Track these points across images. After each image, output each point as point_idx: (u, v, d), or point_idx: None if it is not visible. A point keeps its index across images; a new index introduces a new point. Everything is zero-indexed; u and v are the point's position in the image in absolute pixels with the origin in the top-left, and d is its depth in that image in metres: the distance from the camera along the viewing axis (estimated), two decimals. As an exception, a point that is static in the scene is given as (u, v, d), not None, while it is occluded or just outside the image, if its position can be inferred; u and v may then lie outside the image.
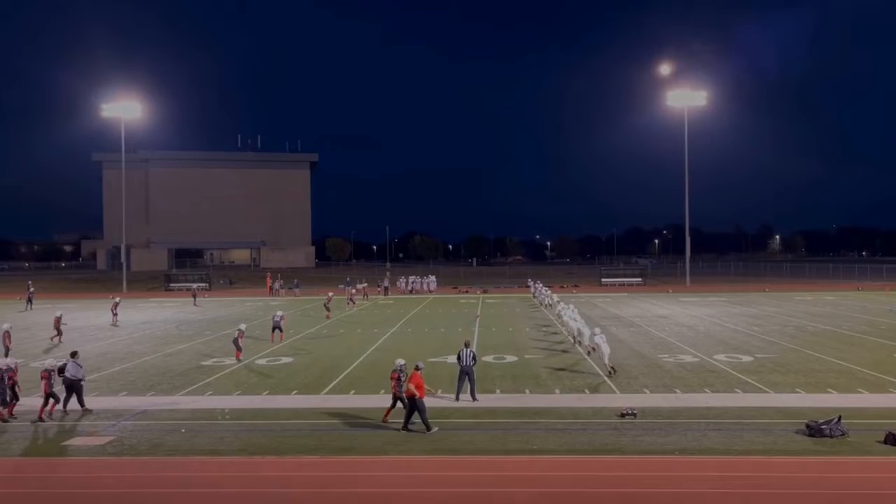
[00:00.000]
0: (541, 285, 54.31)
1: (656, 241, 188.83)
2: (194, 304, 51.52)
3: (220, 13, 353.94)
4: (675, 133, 74.20)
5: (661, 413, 17.24)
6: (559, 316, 32.29)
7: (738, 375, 21.94)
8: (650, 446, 14.49)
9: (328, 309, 41.82)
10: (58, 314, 32.59)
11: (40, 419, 16.98)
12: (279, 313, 32.28)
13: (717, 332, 33.04)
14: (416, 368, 16.38)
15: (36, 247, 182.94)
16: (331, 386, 21.11)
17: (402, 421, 15.83)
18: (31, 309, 47.76)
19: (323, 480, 12.81)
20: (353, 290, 52.70)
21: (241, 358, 25.88)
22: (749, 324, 36.08)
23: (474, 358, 19.03)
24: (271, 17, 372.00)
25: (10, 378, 17.02)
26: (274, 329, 31.12)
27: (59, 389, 17.82)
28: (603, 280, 71.96)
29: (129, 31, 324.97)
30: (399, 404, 16.35)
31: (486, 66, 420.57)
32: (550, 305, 42.88)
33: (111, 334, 34.72)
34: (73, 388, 17.75)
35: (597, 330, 24.67)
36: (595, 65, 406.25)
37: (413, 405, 15.74)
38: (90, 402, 18.72)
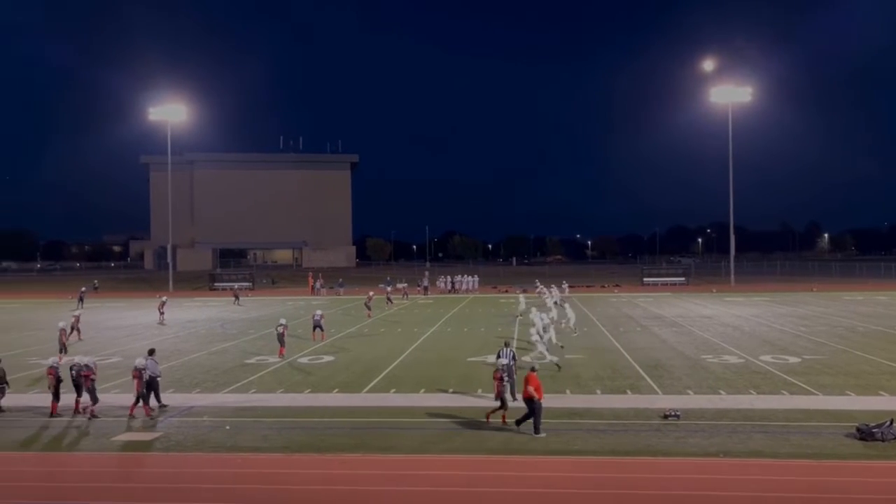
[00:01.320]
0: (555, 288, 51.11)
1: (700, 239, 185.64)
2: (237, 304, 52.32)
3: (264, 17, 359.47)
4: (719, 130, 73.15)
5: (704, 415, 16.95)
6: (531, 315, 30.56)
7: (785, 377, 21.45)
8: (694, 448, 14.26)
9: (369, 308, 42.13)
10: (163, 299, 37.45)
11: (131, 415, 17.33)
12: (319, 312, 32.72)
13: (763, 332, 32.35)
14: (532, 370, 15.99)
15: (87, 247, 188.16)
16: (371, 385, 21.27)
17: (518, 419, 15.59)
18: (82, 308, 49.15)
19: (363, 479, 12.91)
20: (390, 290, 53.04)
21: (284, 354, 26.30)
22: (796, 324, 35.24)
23: (514, 357, 18.96)
24: (313, 20, 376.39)
25: (86, 378, 17.50)
26: (315, 328, 31.51)
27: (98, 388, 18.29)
28: (645, 280, 71.06)
29: (175, 36, 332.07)
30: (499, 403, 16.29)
31: (528, 66, 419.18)
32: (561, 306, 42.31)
33: (158, 332, 35.53)
34: (152, 384, 18.14)
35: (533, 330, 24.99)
36: (637, 62, 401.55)
37: (531, 407, 15.34)
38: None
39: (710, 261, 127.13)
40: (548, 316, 31.07)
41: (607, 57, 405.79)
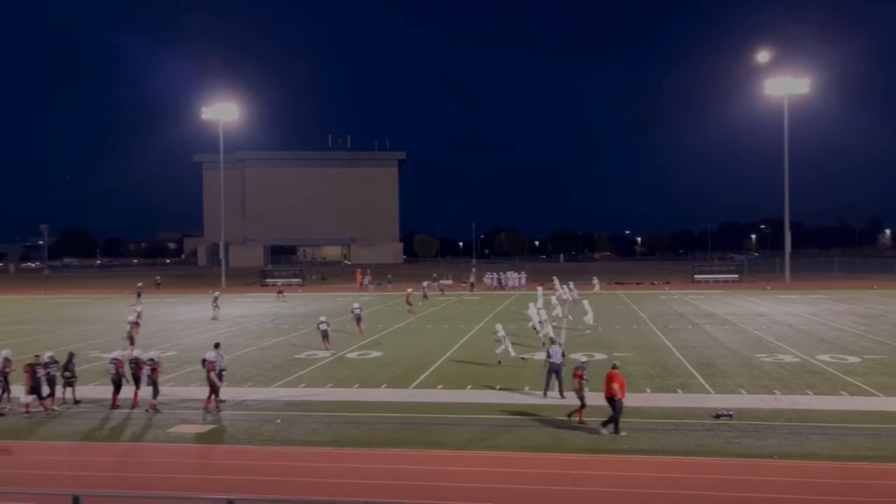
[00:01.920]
0: (572, 285, 50.82)
1: (753, 235, 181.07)
2: (282, 300, 52.73)
3: (312, 15, 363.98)
4: (774, 123, 70.85)
5: (758, 415, 16.55)
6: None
7: (844, 377, 20.79)
8: (747, 449, 13.94)
9: (410, 304, 42.39)
10: (215, 294, 40.08)
11: (206, 409, 17.77)
12: (356, 305, 33.50)
13: (820, 331, 31.41)
14: (614, 367, 15.57)
15: (143, 244, 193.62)
16: (419, 380, 21.38)
17: (604, 419, 15.28)
18: (139, 303, 50.59)
19: (410, 474, 13.00)
20: (426, 285, 53.26)
21: (328, 347, 26.87)
22: (856, 323, 34.11)
23: (563, 355, 18.83)
24: (361, 18, 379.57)
25: (154, 371, 18.00)
26: (358, 322, 32.15)
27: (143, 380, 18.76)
28: (696, 276, 69.62)
29: (226, 36, 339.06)
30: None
31: (575, 60, 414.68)
32: (574, 301, 41.76)
33: (211, 327, 36.36)
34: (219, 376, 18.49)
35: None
36: (686, 54, 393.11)
37: (613, 406, 14.96)
38: (194, 391, 19.75)
39: (763, 257, 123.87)
40: (559, 310, 33.88)
41: (657, 49, 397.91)
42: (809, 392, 18.94)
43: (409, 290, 45.76)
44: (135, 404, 18.17)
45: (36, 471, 13.45)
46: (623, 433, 14.91)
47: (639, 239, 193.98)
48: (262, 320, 39.63)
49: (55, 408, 17.96)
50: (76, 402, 18.51)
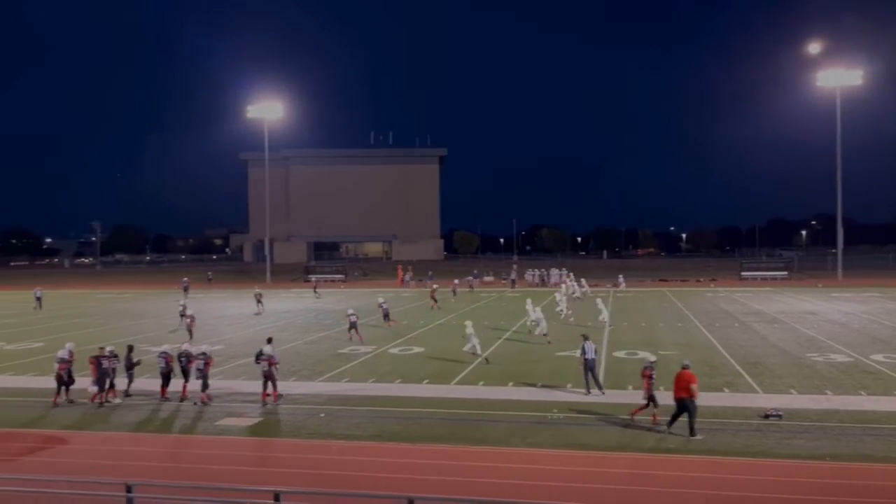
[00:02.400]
0: (583, 282, 51.50)
1: (803, 232, 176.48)
2: (316, 296, 52.73)
3: (354, 14, 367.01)
4: (826, 116, 68.81)
5: (809, 415, 16.15)
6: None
7: (899, 378, 20.13)
8: (797, 450, 13.61)
9: (435, 300, 42.59)
10: (257, 291, 41.25)
11: (264, 401, 18.16)
12: (381, 299, 34.60)
13: (874, 329, 30.46)
14: (684, 367, 15.10)
15: (190, 241, 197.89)
16: (460, 376, 21.41)
17: (669, 419, 14.98)
18: (186, 298, 51.70)
19: (453, 469, 13.03)
20: (457, 282, 53.18)
21: (355, 338, 28.02)
22: (912, 322, 33.00)
23: (595, 351, 18.75)
24: (402, 15, 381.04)
25: (207, 364, 18.41)
26: (386, 317, 32.97)
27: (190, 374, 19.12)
28: (743, 274, 68.10)
29: (272, 36, 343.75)
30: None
31: (617, 51, 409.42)
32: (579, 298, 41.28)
33: (256, 322, 36.98)
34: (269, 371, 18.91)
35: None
36: (734, 45, 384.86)
37: (684, 406, 14.58)
38: (239, 385, 20.14)
39: (814, 254, 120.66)
40: (562, 306, 35.35)
41: (703, 40, 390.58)
42: (862, 392, 18.40)
43: (435, 286, 46.13)
44: (184, 397, 18.58)
45: (89, 460, 13.86)
46: (699, 436, 14.44)
47: (684, 235, 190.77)
48: (306, 315, 40.13)
49: (116, 399, 18.45)
50: (127, 394, 19.00)
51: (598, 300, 36.01)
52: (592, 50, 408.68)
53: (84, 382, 18.73)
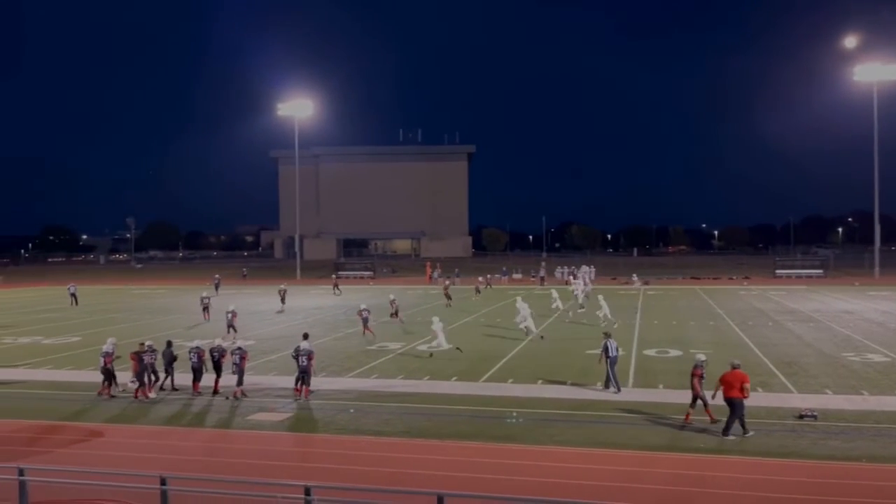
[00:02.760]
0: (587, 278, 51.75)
1: (839, 229, 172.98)
2: (336, 293, 52.25)
3: (382, 12, 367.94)
4: (863, 111, 67.37)
5: (845, 416, 15.85)
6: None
7: (939, 379, 19.65)
8: (832, 451, 13.37)
9: (449, 297, 42.57)
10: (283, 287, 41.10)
11: (299, 395, 18.41)
12: (391, 297, 35.50)
13: (913, 329, 29.76)
14: (735, 367, 14.77)
15: (222, 237, 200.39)
16: (489, 374, 21.40)
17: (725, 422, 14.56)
18: (216, 294, 52.38)
19: (481, 467, 13.03)
20: (481, 279, 52.83)
21: (368, 333, 28.81)
22: (952, 321, 32.17)
23: (617, 349, 18.71)
24: (430, 12, 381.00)
25: (242, 359, 18.69)
26: (393, 313, 33.84)
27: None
28: (777, 272, 67.00)
29: (301, 35, 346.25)
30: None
31: (646, 45, 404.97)
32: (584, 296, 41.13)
33: (286, 318, 37.33)
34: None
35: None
36: (768, 39, 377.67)
37: (734, 406, 14.28)
38: (270, 380, 20.38)
39: (851, 252, 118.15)
40: (558, 303, 36.34)
41: (736, 34, 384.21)
42: (901, 393, 18.00)
43: (448, 282, 46.18)
44: (216, 392, 18.84)
45: (125, 453, 14.14)
46: (731, 437, 14.19)
47: (716, 232, 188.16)
48: (335, 312, 40.42)
49: (152, 394, 18.76)
50: (161, 388, 19.33)
51: (600, 296, 35.87)
52: (622, 44, 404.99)
53: (123, 377, 19.10)
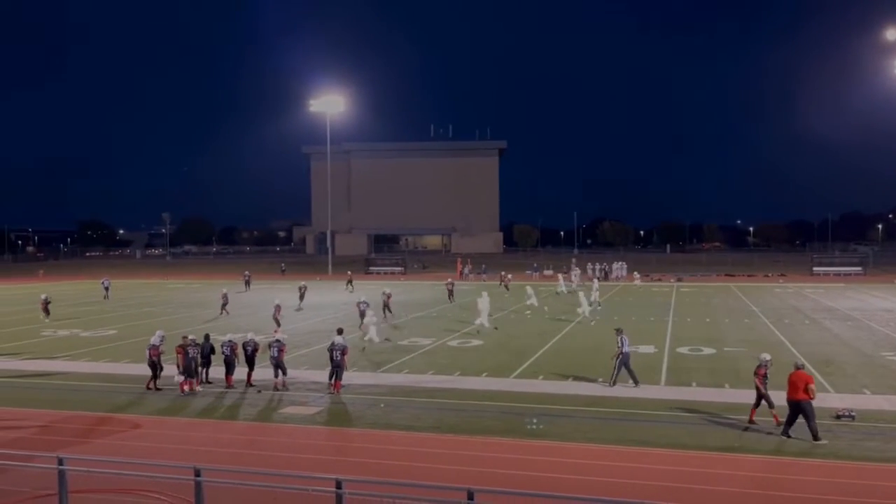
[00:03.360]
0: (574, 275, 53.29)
1: (879, 226, 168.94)
2: (349, 289, 51.32)
3: (413, 7, 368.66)
4: (905, 104, 65.60)
5: (884, 416, 15.51)
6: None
7: (984, 380, 19.10)
8: (870, 452, 13.09)
9: (451, 294, 42.29)
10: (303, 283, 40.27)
11: (331, 391, 18.61)
12: (387, 291, 35.64)
13: (957, 329, 28.96)
14: (798, 367, 14.43)
15: (255, 233, 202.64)
16: (519, 370, 21.34)
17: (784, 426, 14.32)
18: (248, 290, 52.89)
19: (511, 463, 13.01)
20: (504, 274, 52.26)
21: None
22: None
23: (628, 344, 18.89)
24: (463, 6, 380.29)
25: (280, 351, 18.96)
26: (384, 308, 34.08)
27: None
28: (814, 269, 65.69)
29: (333, 31, 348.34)
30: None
31: (679, 40, 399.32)
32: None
33: (317, 313, 37.60)
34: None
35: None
36: (803, 33, 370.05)
37: (799, 409, 13.97)
38: (302, 374, 20.59)
39: (891, 249, 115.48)
40: (533, 300, 37.74)
41: (772, 30, 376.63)
42: (943, 395, 17.53)
43: (450, 279, 45.72)
44: (249, 384, 19.08)
45: (159, 444, 14.39)
46: (824, 441, 13.73)
47: (751, 229, 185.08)
48: (365, 307, 40.50)
49: (199, 388, 19.00)
50: (208, 381, 19.58)
51: (581, 293, 35.94)
52: (654, 39, 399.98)
53: (169, 371, 19.40)
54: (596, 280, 44.64)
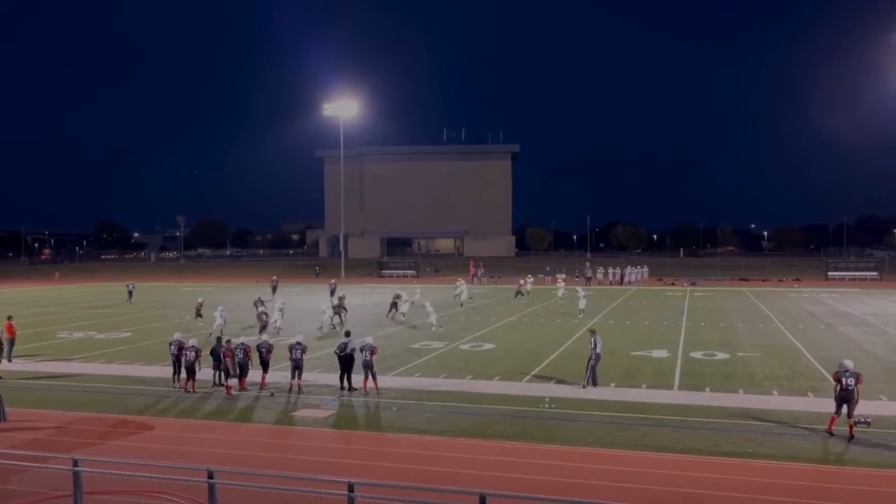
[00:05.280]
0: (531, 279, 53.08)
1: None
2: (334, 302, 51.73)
3: (426, 12, 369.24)
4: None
5: (901, 424, 15.33)
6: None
7: None
8: (887, 460, 12.95)
9: (457, 298, 42.25)
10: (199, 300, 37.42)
11: (365, 391, 18.80)
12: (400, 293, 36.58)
13: (975, 335, 28.60)
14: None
15: (269, 236, 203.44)
16: (532, 374, 21.30)
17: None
18: (273, 298, 52.87)
19: (523, 467, 12.98)
20: (521, 283, 51.10)
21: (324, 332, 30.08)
22: None
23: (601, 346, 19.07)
24: (476, 10, 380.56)
25: (302, 352, 19.05)
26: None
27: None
28: (830, 274, 65.18)
29: (346, 36, 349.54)
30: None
31: (693, 43, 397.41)
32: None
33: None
34: (351, 362, 19.34)
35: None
36: (819, 33, 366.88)
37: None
38: (316, 377, 20.66)
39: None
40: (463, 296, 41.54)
41: (784, 28, 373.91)
42: (961, 401, 17.33)
43: (462, 282, 45.65)
44: (262, 387, 19.15)
45: (172, 446, 14.48)
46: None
47: (766, 233, 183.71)
48: (378, 310, 40.61)
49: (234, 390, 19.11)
50: (214, 384, 19.68)
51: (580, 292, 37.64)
52: (669, 44, 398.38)
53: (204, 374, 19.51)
54: (580, 289, 41.57)
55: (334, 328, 31.05)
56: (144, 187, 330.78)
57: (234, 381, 18.95)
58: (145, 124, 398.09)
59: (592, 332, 19.40)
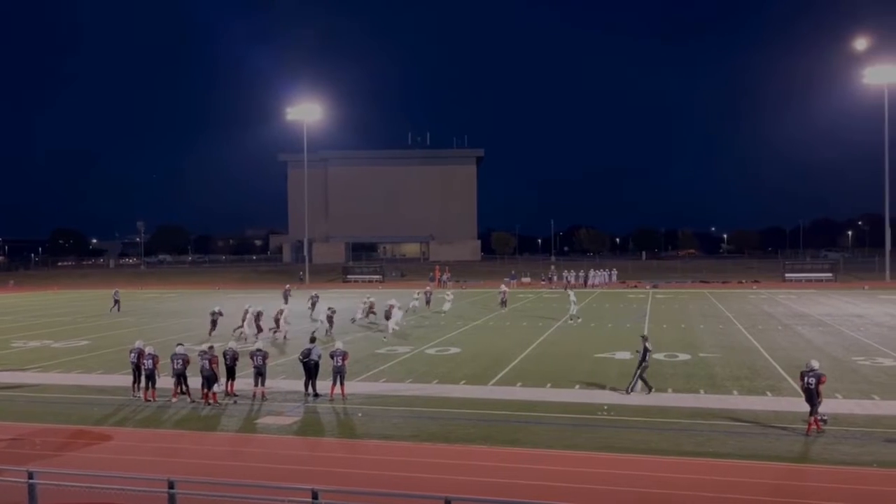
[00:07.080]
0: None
1: (849, 232, 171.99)
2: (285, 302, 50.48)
3: (391, 16, 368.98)
4: (873, 113, 67.06)
5: (855, 421, 15.75)
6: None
7: (951, 383, 19.48)
8: (843, 456, 13.28)
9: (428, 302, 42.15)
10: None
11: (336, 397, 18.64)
12: (370, 298, 36.86)
13: (925, 333, 29.52)
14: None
15: (231, 241, 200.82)
16: (497, 377, 21.37)
17: None
18: (285, 305, 51.20)
19: (488, 470, 13.01)
20: (505, 288, 50.49)
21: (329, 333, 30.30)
22: (965, 325, 31.89)
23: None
24: (439, 15, 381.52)
25: (264, 359, 18.70)
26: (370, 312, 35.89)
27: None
28: (787, 275, 66.69)
29: (310, 39, 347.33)
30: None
31: (653, 48, 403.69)
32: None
33: (294, 323, 37.27)
34: (316, 369, 19.15)
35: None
36: (776, 40, 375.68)
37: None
38: (279, 384, 20.41)
39: (860, 255, 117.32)
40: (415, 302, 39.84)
41: (742, 35, 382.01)
42: (912, 398, 17.86)
43: (428, 287, 45.57)
44: (228, 394, 18.85)
45: (134, 456, 14.18)
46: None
47: (725, 236, 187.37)
48: (343, 316, 40.35)
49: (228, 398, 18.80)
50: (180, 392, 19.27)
51: (571, 293, 37.96)
52: (629, 46, 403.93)
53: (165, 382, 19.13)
54: (571, 292, 42.73)
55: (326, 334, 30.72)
56: (102, 192, 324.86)
57: (219, 388, 18.59)
58: (102, 128, 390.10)
59: (644, 338, 19.07)
